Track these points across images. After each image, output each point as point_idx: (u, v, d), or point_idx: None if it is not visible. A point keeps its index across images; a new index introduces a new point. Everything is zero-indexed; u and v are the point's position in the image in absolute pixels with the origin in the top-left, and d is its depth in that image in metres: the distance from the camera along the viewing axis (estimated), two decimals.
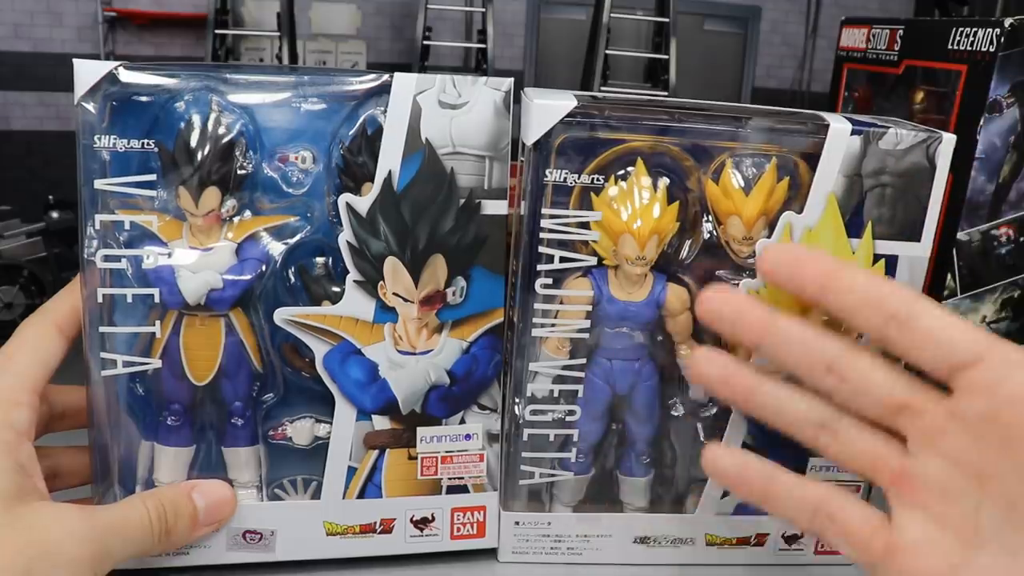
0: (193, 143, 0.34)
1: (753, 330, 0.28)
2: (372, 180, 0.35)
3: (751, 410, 0.30)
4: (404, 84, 0.35)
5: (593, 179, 0.36)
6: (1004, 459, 0.25)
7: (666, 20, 2.57)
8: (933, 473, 0.26)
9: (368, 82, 0.35)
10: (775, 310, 0.29)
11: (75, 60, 0.33)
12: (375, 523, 0.39)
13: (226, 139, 0.34)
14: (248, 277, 0.35)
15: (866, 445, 0.28)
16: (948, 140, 0.37)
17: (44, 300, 0.36)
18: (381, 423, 0.38)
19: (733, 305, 0.28)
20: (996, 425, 0.25)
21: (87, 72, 0.33)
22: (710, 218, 0.38)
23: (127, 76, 0.33)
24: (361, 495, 0.38)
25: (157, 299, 0.35)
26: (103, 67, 0.33)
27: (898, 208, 0.37)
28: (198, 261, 0.35)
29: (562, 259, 0.37)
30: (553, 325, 0.37)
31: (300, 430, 0.38)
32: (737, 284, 0.37)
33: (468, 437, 0.38)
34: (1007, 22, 0.45)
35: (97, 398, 0.35)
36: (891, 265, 0.38)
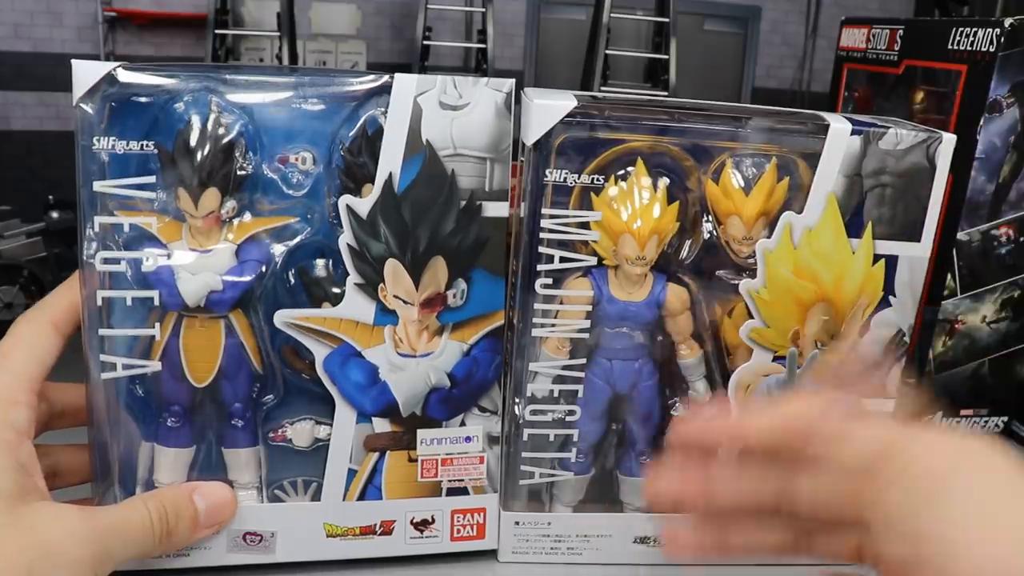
0: (192, 144, 0.34)
1: (695, 496, 0.29)
2: (372, 181, 0.35)
3: (731, 555, 0.31)
4: (405, 85, 0.35)
5: (593, 179, 0.36)
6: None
7: (666, 20, 2.57)
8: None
9: (368, 83, 0.35)
10: (709, 464, 0.30)
11: (73, 61, 0.33)
12: (375, 525, 0.39)
13: (226, 140, 0.34)
14: (248, 279, 0.35)
15: (842, 540, 0.29)
16: (948, 140, 0.37)
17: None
18: (381, 425, 0.37)
19: (664, 485, 0.30)
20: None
21: (86, 73, 0.33)
22: (710, 218, 0.38)
23: (126, 77, 0.33)
24: (361, 497, 0.38)
25: (157, 301, 0.34)
26: (102, 68, 0.33)
27: (898, 208, 0.37)
28: (198, 263, 0.35)
29: (562, 259, 0.37)
30: (553, 325, 0.37)
31: (300, 432, 0.38)
32: (737, 284, 0.37)
33: (468, 439, 0.38)
34: (1007, 22, 0.45)
35: (97, 399, 0.35)
36: (891, 265, 0.38)
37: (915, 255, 0.38)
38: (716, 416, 0.29)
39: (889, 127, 0.37)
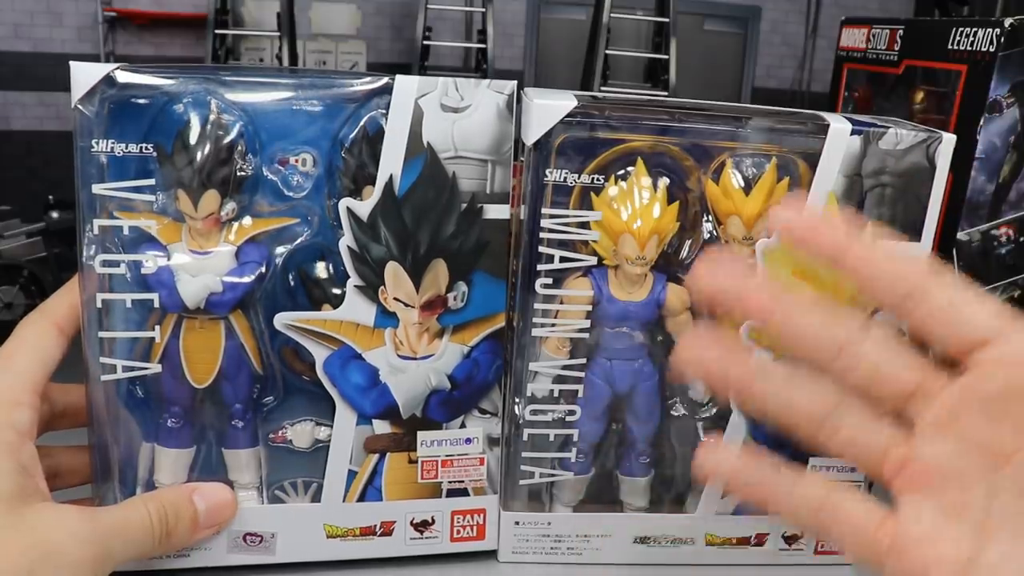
0: (192, 145, 0.34)
1: (759, 306, 0.26)
2: (373, 183, 0.35)
3: (747, 402, 0.29)
4: (406, 87, 0.35)
5: (593, 179, 0.36)
6: (1021, 439, 0.24)
7: (666, 20, 2.57)
8: (944, 459, 0.25)
9: (369, 84, 0.35)
10: (779, 284, 0.27)
11: (71, 63, 0.32)
12: (375, 526, 0.39)
13: (225, 141, 0.34)
14: (248, 280, 0.35)
15: (870, 437, 0.27)
16: (948, 140, 0.37)
17: (44, 300, 0.36)
18: (381, 427, 0.37)
19: (735, 278, 0.26)
20: (1013, 403, 0.24)
21: (84, 75, 0.33)
22: (710, 218, 0.38)
23: (124, 78, 0.33)
24: (361, 498, 0.38)
25: (156, 303, 0.34)
26: (100, 69, 0.33)
27: (898, 208, 0.37)
28: (198, 264, 0.35)
29: (562, 259, 0.37)
30: (553, 325, 0.37)
31: (300, 433, 0.38)
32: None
33: (468, 441, 0.38)
34: (1007, 22, 0.45)
35: (97, 400, 0.35)
36: None
37: (915, 254, 0.38)
38: (831, 225, 0.25)
39: (889, 127, 0.37)
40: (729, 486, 0.29)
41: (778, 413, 0.27)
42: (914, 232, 0.38)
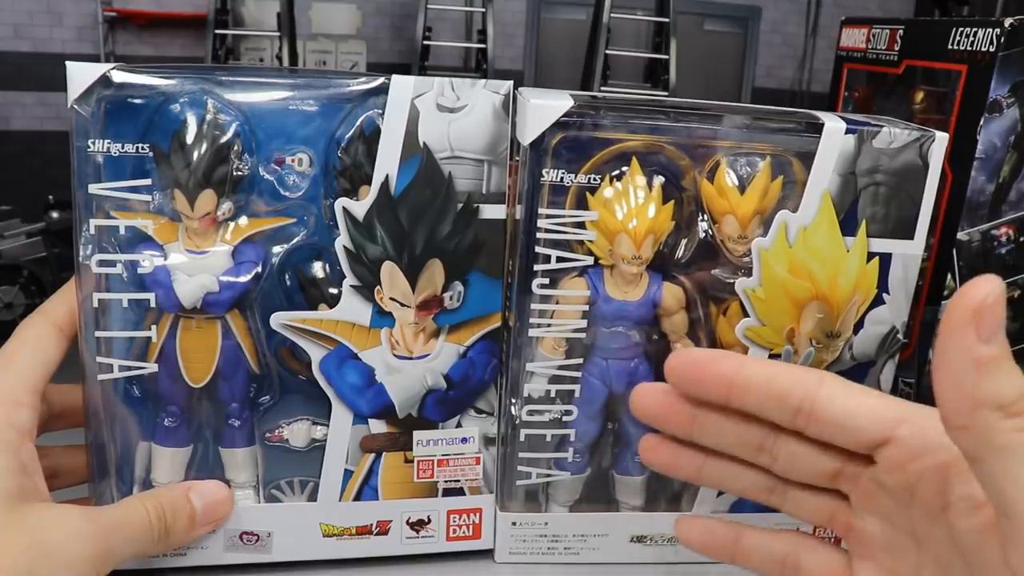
0: (188, 145, 0.34)
1: (680, 423, 0.29)
2: (369, 183, 0.35)
3: (702, 484, 0.32)
4: (402, 87, 0.35)
5: (589, 179, 0.36)
6: (932, 526, 0.25)
7: (666, 20, 2.57)
8: (877, 531, 0.27)
9: (365, 84, 0.35)
10: (694, 402, 0.29)
11: (68, 63, 0.33)
12: (371, 525, 0.39)
13: (222, 141, 0.34)
14: (244, 280, 0.35)
15: (816, 504, 0.29)
16: (940, 139, 0.37)
17: (44, 300, 0.36)
18: (377, 427, 0.37)
19: (656, 407, 0.29)
20: (918, 492, 0.25)
21: (80, 74, 0.33)
22: (705, 217, 0.38)
23: (121, 78, 0.33)
24: (357, 497, 0.38)
25: (153, 303, 0.34)
26: (97, 69, 0.33)
27: (892, 206, 0.37)
28: (194, 264, 0.35)
29: (558, 259, 0.37)
30: (549, 325, 0.37)
31: (297, 432, 0.38)
32: (732, 283, 0.37)
33: (464, 441, 0.38)
34: (1007, 22, 0.45)
35: (94, 400, 0.35)
36: (885, 263, 0.38)
37: (908, 253, 0.38)
38: (713, 360, 0.27)
39: (883, 126, 0.37)
40: (702, 552, 0.31)
41: (728, 489, 0.30)
42: (907, 230, 0.38)
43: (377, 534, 0.39)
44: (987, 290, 0.20)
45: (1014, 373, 0.21)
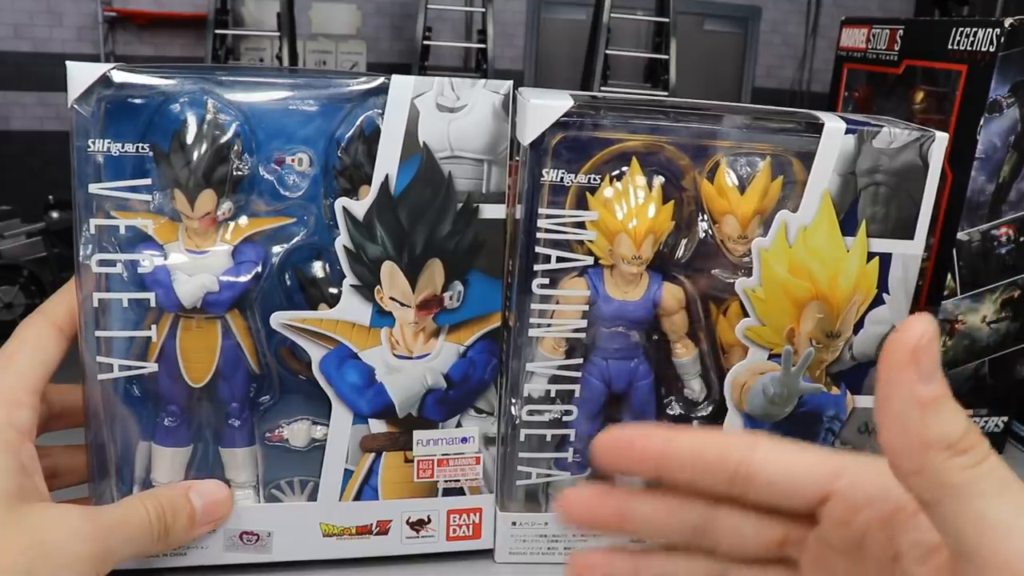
0: (188, 145, 0.34)
1: (608, 521, 0.28)
2: (369, 183, 0.35)
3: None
4: (402, 87, 0.35)
5: (589, 179, 0.36)
6: (884, 575, 0.24)
7: (666, 20, 2.57)
8: None
9: (365, 84, 0.35)
10: (630, 489, 0.28)
11: (68, 63, 0.33)
12: (371, 525, 0.39)
13: (222, 141, 0.34)
14: (244, 280, 0.35)
15: (766, 573, 0.28)
16: (940, 139, 0.37)
17: (44, 300, 0.36)
18: (377, 426, 0.37)
19: (583, 510, 0.28)
20: (866, 545, 0.25)
21: (81, 74, 0.33)
22: (705, 217, 0.38)
23: (121, 78, 0.33)
24: (357, 497, 0.38)
25: (153, 303, 0.34)
26: (97, 69, 0.33)
27: (891, 206, 0.37)
28: (194, 264, 0.35)
29: (558, 259, 0.37)
30: (549, 325, 0.37)
31: (297, 432, 0.38)
32: (732, 282, 0.37)
33: (464, 440, 0.38)
34: (1007, 22, 0.45)
35: (94, 399, 0.35)
36: (885, 263, 0.38)
37: (908, 253, 0.38)
38: (640, 437, 0.26)
39: (883, 126, 0.37)
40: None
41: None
42: (907, 230, 0.38)
43: (377, 534, 0.39)
44: (921, 330, 0.20)
45: (956, 410, 0.20)
